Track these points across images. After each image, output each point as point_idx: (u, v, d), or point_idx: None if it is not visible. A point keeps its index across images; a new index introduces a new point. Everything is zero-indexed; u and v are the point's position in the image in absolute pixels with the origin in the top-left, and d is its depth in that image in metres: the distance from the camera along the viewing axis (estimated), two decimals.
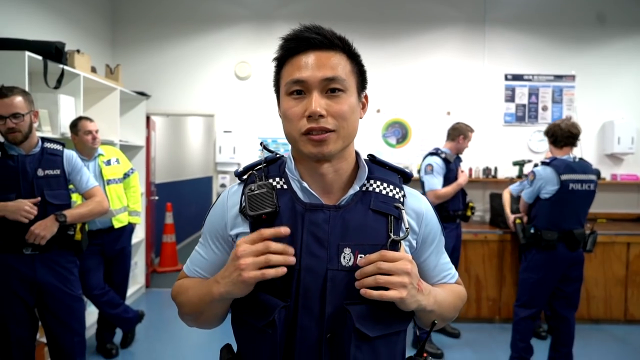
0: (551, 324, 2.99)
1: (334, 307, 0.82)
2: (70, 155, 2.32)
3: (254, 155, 4.83)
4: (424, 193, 3.55)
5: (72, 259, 2.32)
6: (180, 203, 6.71)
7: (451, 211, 3.50)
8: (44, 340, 2.70)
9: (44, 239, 2.11)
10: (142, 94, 4.63)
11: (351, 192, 0.88)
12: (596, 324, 4.10)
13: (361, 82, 0.89)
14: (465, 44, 4.82)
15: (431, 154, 3.53)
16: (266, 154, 0.96)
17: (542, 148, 4.75)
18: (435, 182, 3.39)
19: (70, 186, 2.34)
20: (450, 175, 3.46)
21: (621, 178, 4.74)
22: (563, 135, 2.76)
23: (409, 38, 4.83)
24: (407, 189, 0.96)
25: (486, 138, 4.77)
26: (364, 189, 0.89)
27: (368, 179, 0.90)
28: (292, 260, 0.79)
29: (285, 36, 0.86)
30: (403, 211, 0.89)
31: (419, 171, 4.62)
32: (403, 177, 0.96)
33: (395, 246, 0.85)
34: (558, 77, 4.82)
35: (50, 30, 3.70)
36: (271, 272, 0.78)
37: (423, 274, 0.95)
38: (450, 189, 3.39)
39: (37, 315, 2.29)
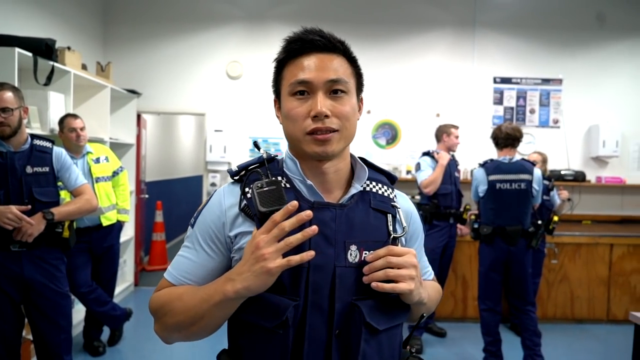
0: (517, 315, 3.15)
1: (343, 304, 0.84)
2: (60, 152, 2.32)
3: (245, 154, 4.84)
4: (420, 192, 3.62)
5: (60, 256, 2.32)
6: (170, 202, 6.70)
7: (442, 207, 3.55)
8: (30, 337, 2.69)
9: (32, 236, 2.11)
10: (133, 92, 4.62)
11: (353, 191, 0.91)
12: (580, 324, 4.17)
13: (359, 84, 0.93)
14: (455, 46, 4.88)
15: (423, 154, 3.68)
16: (259, 153, 0.96)
17: (529, 150, 4.82)
18: (422, 175, 3.51)
19: (59, 183, 2.35)
20: (444, 174, 3.53)
21: (606, 180, 4.82)
22: (502, 137, 3.05)
23: (399, 40, 4.87)
24: (396, 190, 1.00)
25: (475, 140, 4.83)
26: (361, 188, 0.93)
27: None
28: (314, 231, 0.77)
29: (288, 38, 0.88)
30: (399, 210, 0.93)
31: (408, 172, 4.71)
32: (389, 179, 1.00)
33: (395, 243, 0.89)
34: (545, 81, 4.89)
35: (40, 27, 3.69)
36: (296, 258, 0.76)
37: None
38: (435, 174, 3.47)
39: (23, 312, 2.29)
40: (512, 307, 3.17)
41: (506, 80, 4.90)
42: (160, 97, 4.84)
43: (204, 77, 4.86)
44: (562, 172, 4.70)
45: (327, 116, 0.84)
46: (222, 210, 0.89)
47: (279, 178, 0.89)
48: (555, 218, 3.74)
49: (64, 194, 2.53)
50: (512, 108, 4.90)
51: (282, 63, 0.90)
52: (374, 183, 0.94)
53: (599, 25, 4.85)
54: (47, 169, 2.23)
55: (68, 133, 2.96)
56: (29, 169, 2.16)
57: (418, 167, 3.58)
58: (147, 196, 5.41)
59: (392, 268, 0.82)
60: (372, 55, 4.80)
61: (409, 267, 0.83)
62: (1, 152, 2.12)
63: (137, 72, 4.80)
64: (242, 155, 4.84)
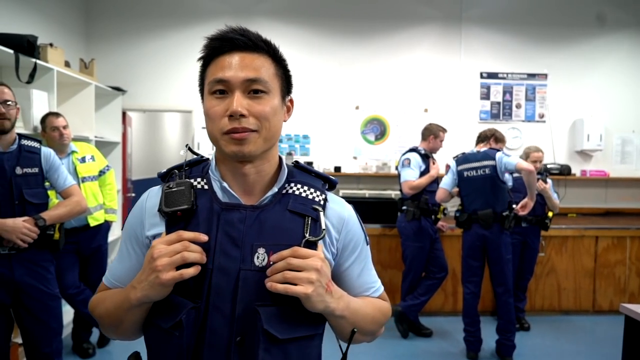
0: (496, 301, 3.33)
1: (245, 309, 0.81)
2: (48, 153, 2.27)
3: None
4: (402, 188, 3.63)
5: (49, 258, 2.27)
6: None
7: (430, 204, 3.58)
8: (17, 341, 2.64)
9: (25, 244, 2.07)
10: (117, 89, 4.53)
11: (270, 193, 0.88)
12: (566, 315, 4.25)
13: (286, 86, 0.90)
14: (442, 42, 4.90)
15: (411, 150, 3.70)
16: (190, 156, 0.95)
17: (517, 144, 4.88)
18: (410, 174, 3.53)
19: (47, 184, 2.29)
20: (428, 172, 3.56)
21: (590, 174, 4.91)
22: (478, 137, 3.50)
23: (387, 35, 4.87)
24: (332, 195, 0.95)
25: (462, 135, 4.87)
26: (283, 191, 0.89)
27: (288, 182, 0.90)
28: (204, 259, 0.80)
29: (210, 36, 0.86)
30: (321, 213, 0.88)
31: (397, 167, 4.72)
32: (328, 184, 0.95)
33: (310, 247, 0.84)
34: (531, 76, 4.95)
35: (21, 23, 3.59)
36: (190, 271, 0.78)
37: (345, 285, 0.94)
38: (424, 180, 3.52)
39: (12, 315, 2.24)
40: (494, 294, 3.33)
41: (493, 75, 4.94)
42: (146, 94, 4.76)
43: (191, 73, 4.77)
44: (549, 166, 4.77)
45: (243, 115, 0.81)
46: (143, 211, 0.90)
47: (198, 180, 0.89)
48: (550, 214, 3.78)
49: (51, 195, 2.47)
50: (498, 103, 4.95)
51: (207, 61, 0.87)
52: (298, 185, 0.90)
53: (600, 24, 4.92)
54: (36, 169, 2.17)
55: (50, 132, 2.89)
56: (18, 170, 2.10)
57: (408, 163, 3.56)
58: (134, 195, 5.33)
59: (293, 270, 0.79)
60: (360, 50, 4.79)
61: (309, 269, 0.78)
62: None
63: (121, 69, 4.71)
64: None
